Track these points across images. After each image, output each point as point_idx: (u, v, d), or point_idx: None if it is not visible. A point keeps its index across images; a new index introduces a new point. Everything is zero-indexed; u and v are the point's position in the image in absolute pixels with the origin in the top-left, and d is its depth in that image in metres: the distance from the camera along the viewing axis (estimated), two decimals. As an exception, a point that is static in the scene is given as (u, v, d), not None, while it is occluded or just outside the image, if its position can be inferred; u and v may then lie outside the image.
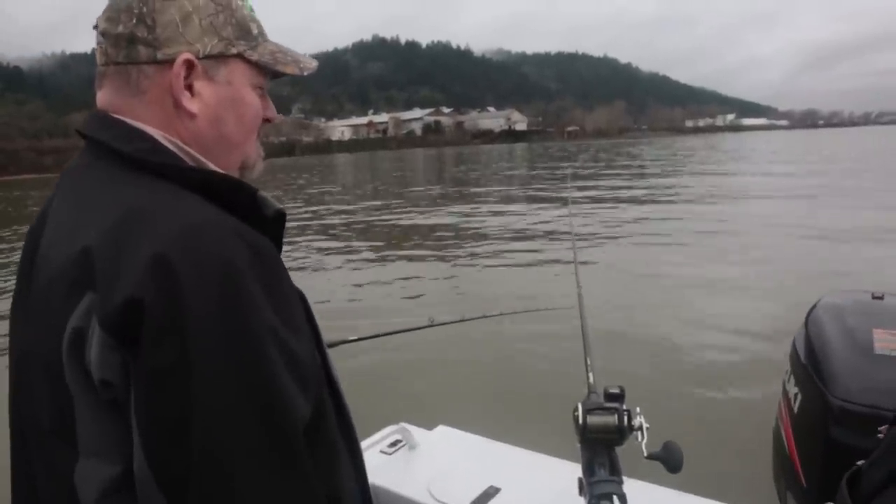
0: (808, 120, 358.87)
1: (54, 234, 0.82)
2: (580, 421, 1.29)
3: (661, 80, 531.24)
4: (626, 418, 1.29)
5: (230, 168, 0.93)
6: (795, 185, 20.63)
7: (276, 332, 0.72)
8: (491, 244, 12.23)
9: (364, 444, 2.09)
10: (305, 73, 0.98)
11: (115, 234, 0.72)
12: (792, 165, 31.10)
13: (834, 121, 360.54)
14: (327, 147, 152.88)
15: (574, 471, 1.47)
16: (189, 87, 0.85)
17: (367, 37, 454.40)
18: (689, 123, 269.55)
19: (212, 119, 0.87)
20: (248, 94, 0.91)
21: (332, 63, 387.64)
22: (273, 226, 0.87)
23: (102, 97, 0.87)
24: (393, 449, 2.06)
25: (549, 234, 12.87)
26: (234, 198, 0.83)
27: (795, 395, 2.34)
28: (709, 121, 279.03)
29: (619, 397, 1.32)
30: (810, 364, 2.27)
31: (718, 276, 8.46)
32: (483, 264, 10.48)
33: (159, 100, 0.84)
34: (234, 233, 0.74)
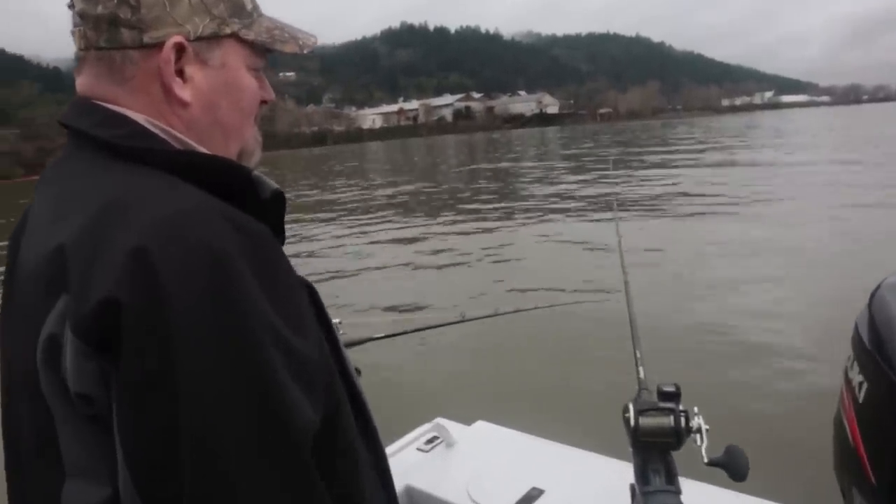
0: (851, 95, 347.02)
1: (32, 232, 0.76)
2: (632, 423, 1.19)
3: (695, 58, 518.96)
4: (682, 420, 1.18)
5: (227, 156, 0.85)
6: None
7: (276, 332, 0.64)
8: (529, 224, 12.03)
9: (399, 442, 2.01)
10: (306, 51, 0.89)
11: (90, 229, 0.65)
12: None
13: (880, 95, 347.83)
14: (359, 136, 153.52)
15: (625, 471, 1.37)
16: (180, 73, 0.78)
17: (396, 24, 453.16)
18: (726, 102, 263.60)
19: (206, 106, 0.80)
20: (244, 77, 0.84)
21: (360, 51, 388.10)
22: (271, 210, 0.79)
23: (83, 84, 0.79)
24: (430, 446, 1.98)
25: (592, 214, 12.55)
26: (226, 180, 0.75)
27: (860, 383, 2.18)
28: (746, 99, 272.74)
29: (674, 396, 1.22)
30: (876, 350, 2.10)
31: (771, 256, 8.18)
32: (522, 247, 10.32)
33: (146, 87, 0.77)
34: (225, 218, 0.66)
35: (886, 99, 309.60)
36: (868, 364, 2.20)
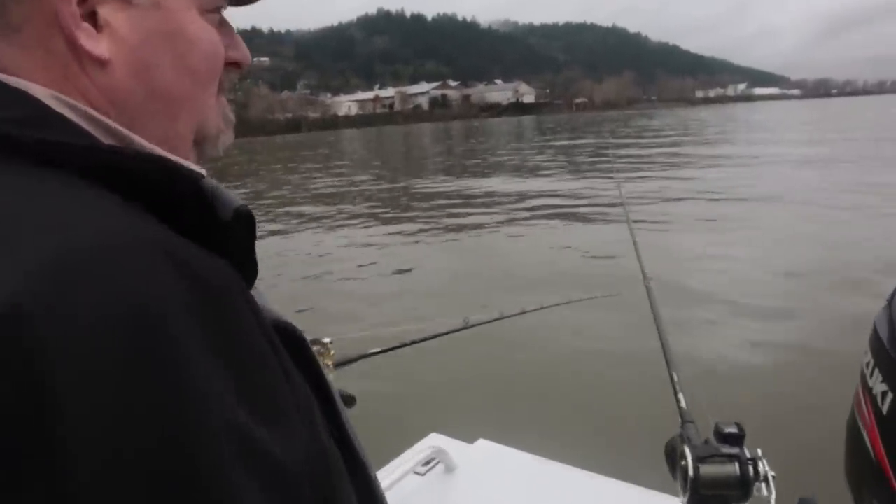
0: (821, 89, 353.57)
1: None
2: (689, 471, 0.99)
3: (670, 49, 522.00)
4: (750, 468, 0.99)
5: (178, 141, 0.60)
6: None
7: (237, 430, 0.40)
8: (530, 222, 11.66)
9: (394, 463, 1.81)
10: None
11: None
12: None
13: (848, 90, 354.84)
14: (334, 123, 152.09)
15: (643, 498, 1.19)
16: (91, 17, 0.52)
17: (372, 10, 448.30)
18: (700, 94, 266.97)
19: (134, 66, 0.55)
20: (192, 22, 0.57)
21: (336, 38, 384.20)
22: (234, 235, 0.52)
23: None
24: (427, 469, 1.78)
25: (597, 207, 12.19)
26: (165, 191, 0.50)
27: (884, 393, 2.04)
28: (719, 91, 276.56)
29: (738, 439, 1.03)
30: (903, 357, 1.97)
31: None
32: (524, 243, 10.03)
33: (45, 41, 0.52)
34: (159, 254, 0.42)
35: (853, 93, 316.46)
36: (893, 373, 2.07)
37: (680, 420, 1.20)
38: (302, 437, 0.48)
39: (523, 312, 2.20)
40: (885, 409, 2.11)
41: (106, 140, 0.52)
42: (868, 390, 2.27)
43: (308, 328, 1.50)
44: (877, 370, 2.22)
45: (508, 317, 2.12)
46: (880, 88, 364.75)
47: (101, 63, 0.53)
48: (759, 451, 1.03)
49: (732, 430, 1.03)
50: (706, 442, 1.08)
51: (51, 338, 0.35)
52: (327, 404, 0.60)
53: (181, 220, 0.49)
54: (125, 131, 0.53)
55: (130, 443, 0.36)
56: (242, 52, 0.64)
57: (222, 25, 0.62)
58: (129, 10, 0.54)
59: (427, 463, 1.80)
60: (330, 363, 1.42)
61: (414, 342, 1.86)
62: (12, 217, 0.42)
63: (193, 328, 0.41)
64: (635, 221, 2.29)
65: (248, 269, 0.53)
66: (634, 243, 1.76)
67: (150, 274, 0.41)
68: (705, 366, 4.50)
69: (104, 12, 0.53)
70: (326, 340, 1.41)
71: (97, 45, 0.52)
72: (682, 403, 1.23)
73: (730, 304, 6.12)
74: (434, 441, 1.87)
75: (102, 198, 0.46)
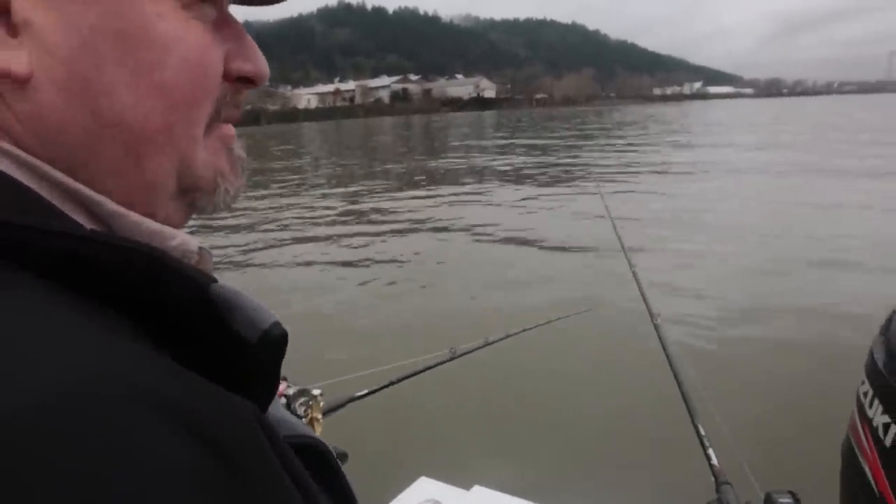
0: (772, 88, 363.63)
1: None
2: (745, 555, 0.88)
3: (629, 47, 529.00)
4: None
5: (147, 195, 0.41)
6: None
7: None
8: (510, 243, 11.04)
9: (385, 511, 1.68)
10: None
11: None
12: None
13: (798, 90, 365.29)
14: (294, 116, 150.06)
15: None
16: (2, 17, 0.35)
17: (333, 2, 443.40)
18: (657, 91, 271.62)
19: (69, 83, 0.37)
20: (163, 18, 0.38)
21: (296, 29, 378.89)
22: (257, 364, 0.38)
23: None
24: (423, 520, 1.65)
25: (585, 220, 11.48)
26: (159, 301, 0.35)
27: (886, 425, 1.99)
28: (676, 89, 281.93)
29: (794, 513, 0.93)
30: (905, 389, 1.92)
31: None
32: (510, 264, 9.51)
33: None
34: (156, 407, 0.27)
35: (803, 93, 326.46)
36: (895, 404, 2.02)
37: (714, 480, 1.10)
38: None
39: (507, 336, 2.18)
40: (888, 441, 2.05)
41: (67, 209, 0.37)
42: (867, 420, 2.21)
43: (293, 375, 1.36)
44: (876, 400, 2.16)
45: (494, 342, 2.10)
46: (828, 89, 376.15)
47: (18, 82, 0.36)
48: (814, 525, 0.93)
49: (787, 500, 0.93)
50: (750, 510, 0.99)
51: None
52: None
53: (175, 338, 0.35)
54: (93, 195, 0.37)
55: None
56: (255, 63, 0.44)
57: (222, 24, 0.43)
58: (58, 2, 0.35)
59: None
60: (319, 416, 1.32)
61: (401, 379, 1.79)
62: None
63: None
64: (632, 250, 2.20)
65: (266, 396, 0.40)
66: (639, 287, 1.68)
67: (139, 440, 0.26)
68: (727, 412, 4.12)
69: (22, 7, 0.35)
70: (316, 392, 1.33)
71: (9, 54, 0.35)
72: (714, 461, 1.13)
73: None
74: (425, 486, 1.74)
75: (61, 310, 0.31)
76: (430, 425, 4.11)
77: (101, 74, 0.37)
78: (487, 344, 2.07)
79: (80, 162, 0.38)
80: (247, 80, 0.45)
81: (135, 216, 0.39)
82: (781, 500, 0.93)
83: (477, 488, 1.79)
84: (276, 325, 0.39)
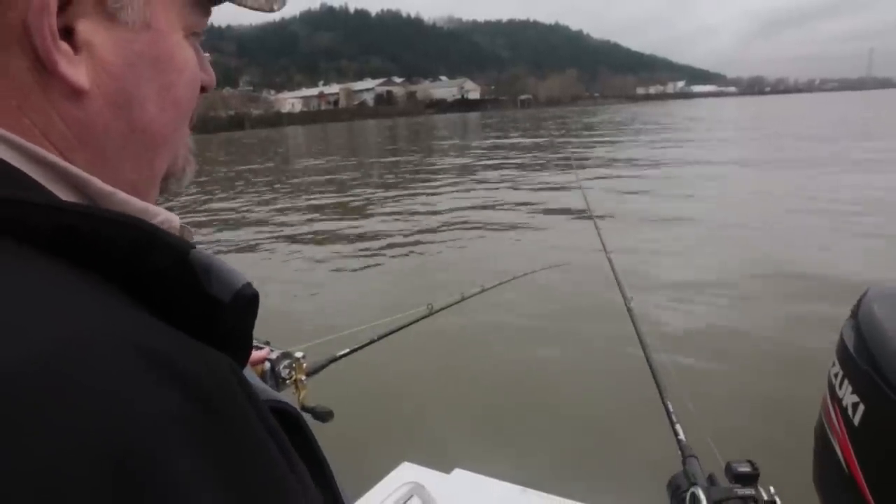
0: (755, 87, 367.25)
1: None
2: (706, 518, 0.92)
3: (612, 47, 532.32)
4: (768, 510, 0.93)
5: (149, 184, 0.51)
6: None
7: None
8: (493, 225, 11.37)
9: (367, 496, 1.70)
10: (276, 9, 0.56)
11: None
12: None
13: (780, 88, 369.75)
14: (278, 120, 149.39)
15: None
16: (66, 35, 0.41)
17: (315, 5, 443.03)
18: (641, 91, 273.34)
19: (116, 97, 0.44)
20: (180, 49, 0.48)
21: (279, 33, 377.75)
22: (232, 323, 0.43)
23: None
24: (404, 503, 1.68)
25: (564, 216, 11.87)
26: (141, 265, 0.39)
27: (855, 404, 2.04)
28: (659, 88, 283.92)
29: (752, 478, 0.97)
30: (872, 368, 1.96)
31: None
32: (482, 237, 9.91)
33: (4, 66, 0.40)
34: (141, 355, 0.32)
35: (786, 91, 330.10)
36: (864, 384, 2.01)
37: (680, 454, 1.14)
38: None
39: (482, 290, 2.27)
40: (856, 420, 2.09)
41: (58, 190, 0.41)
42: (837, 400, 2.26)
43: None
44: (846, 381, 2.20)
45: (470, 296, 2.17)
46: (810, 87, 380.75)
47: (77, 93, 0.42)
48: (773, 490, 0.98)
49: (746, 468, 0.97)
50: (712, 480, 1.03)
51: None
52: (325, 482, 0.52)
53: (160, 300, 0.39)
54: (86, 177, 0.42)
55: None
56: (210, 75, 0.55)
57: (196, 47, 0.53)
58: (115, 29, 0.43)
59: (404, 498, 1.70)
60: (303, 377, 1.36)
61: (382, 337, 1.84)
62: None
63: (190, 459, 0.31)
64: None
65: (241, 352, 0.44)
66: (615, 274, 1.72)
67: (125, 388, 0.30)
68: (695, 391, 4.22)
69: (84, 29, 0.42)
70: (298, 355, 1.37)
71: (78, 71, 0.41)
72: (681, 435, 1.17)
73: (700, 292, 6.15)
74: (407, 472, 1.77)
75: (55, 276, 0.35)
76: (408, 407, 4.13)
77: (139, 90, 0.46)
78: (464, 299, 2.15)
79: (109, 157, 0.46)
80: (202, 89, 0.54)
81: (122, 195, 0.44)
82: (741, 469, 0.97)
83: (458, 472, 1.83)
84: (248, 285, 0.43)
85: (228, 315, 0.42)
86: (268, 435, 0.39)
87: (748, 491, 0.94)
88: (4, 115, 0.40)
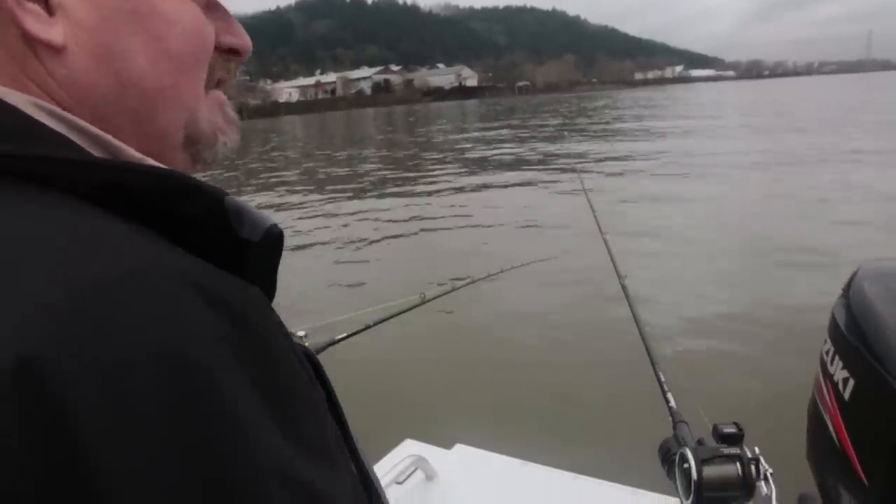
0: (753, 70, 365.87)
1: None
2: (693, 475, 0.98)
3: (609, 32, 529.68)
4: (752, 467, 0.99)
5: (161, 144, 0.51)
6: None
7: (288, 473, 0.37)
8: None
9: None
10: None
11: None
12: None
13: (778, 71, 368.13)
14: (275, 110, 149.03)
15: (627, 496, 1.19)
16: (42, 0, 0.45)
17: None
18: (639, 76, 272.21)
19: (96, 50, 0.46)
20: (167, 1, 0.49)
21: (275, 22, 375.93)
22: (261, 260, 0.48)
23: None
24: (406, 478, 1.74)
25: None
26: (180, 212, 0.43)
27: (845, 380, 2.10)
28: (657, 73, 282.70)
29: (737, 438, 1.02)
30: (863, 345, 2.01)
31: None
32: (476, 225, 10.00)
33: (2, 37, 0.44)
34: (187, 284, 0.37)
35: (784, 74, 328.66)
36: (854, 360, 2.07)
37: (671, 420, 1.20)
38: (346, 471, 0.45)
39: (472, 281, 2.37)
40: (846, 395, 2.15)
41: (95, 152, 0.45)
42: (829, 377, 2.32)
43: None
44: (837, 357, 2.26)
45: (461, 286, 2.28)
46: (808, 70, 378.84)
47: (56, 50, 0.45)
48: (757, 450, 1.03)
49: (731, 429, 1.03)
50: (700, 442, 1.08)
51: (71, 393, 0.30)
52: (340, 424, 0.57)
53: (197, 243, 0.44)
54: (115, 141, 0.46)
55: (178, 497, 0.32)
56: (240, 37, 0.55)
57: (213, 6, 0.53)
58: None
59: (406, 472, 1.76)
60: None
61: (377, 322, 1.95)
62: (8, 252, 0.35)
63: (233, 366, 0.36)
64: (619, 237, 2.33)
65: (269, 289, 0.49)
66: (610, 255, 1.78)
67: (179, 308, 0.35)
68: (685, 362, 4.26)
69: None
70: (301, 334, 1.43)
71: (46, 27, 0.44)
72: (672, 403, 1.23)
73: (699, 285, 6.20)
74: (410, 447, 1.83)
75: (110, 222, 0.40)
76: (409, 385, 4.24)
77: (120, 43, 0.47)
78: (455, 289, 2.26)
79: (107, 115, 0.47)
80: (234, 52, 0.55)
81: (136, 153, 0.47)
82: (726, 430, 1.03)
83: (459, 447, 1.89)
84: (275, 226, 0.48)
85: (258, 252, 0.47)
86: (298, 365, 0.44)
87: (733, 450, 1.00)
88: (14, 82, 0.44)
